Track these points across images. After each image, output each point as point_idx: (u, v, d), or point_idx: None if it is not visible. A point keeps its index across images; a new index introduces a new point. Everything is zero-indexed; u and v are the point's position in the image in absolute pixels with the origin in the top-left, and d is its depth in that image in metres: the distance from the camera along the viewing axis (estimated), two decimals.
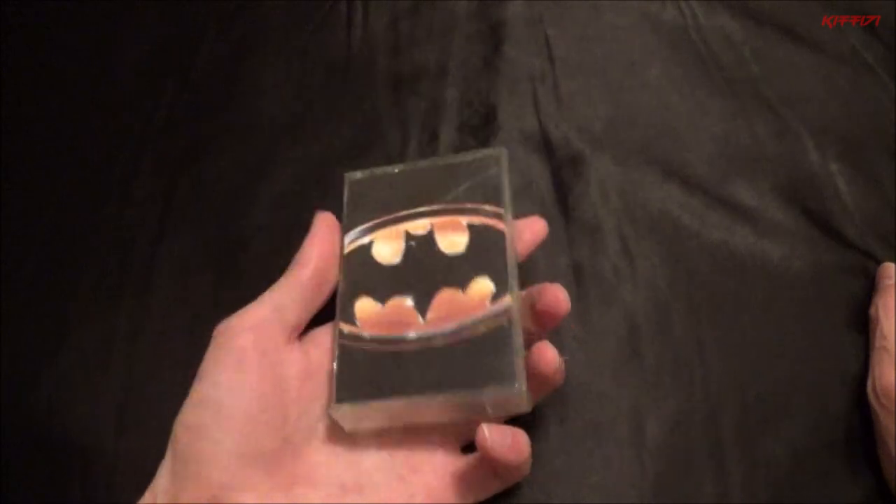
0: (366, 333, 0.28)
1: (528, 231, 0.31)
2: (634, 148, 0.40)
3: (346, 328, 0.28)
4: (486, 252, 0.29)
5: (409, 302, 0.28)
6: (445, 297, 0.28)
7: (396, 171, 0.32)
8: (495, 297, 0.28)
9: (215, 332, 0.28)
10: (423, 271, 0.29)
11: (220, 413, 0.25)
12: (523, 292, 0.29)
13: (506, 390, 0.26)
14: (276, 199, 0.40)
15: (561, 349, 0.34)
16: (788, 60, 0.44)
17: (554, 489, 0.31)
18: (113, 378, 0.35)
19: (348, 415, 0.27)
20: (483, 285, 0.28)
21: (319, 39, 0.46)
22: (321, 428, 0.28)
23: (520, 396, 0.26)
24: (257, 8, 0.48)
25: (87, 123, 0.44)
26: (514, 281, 0.28)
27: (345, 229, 0.31)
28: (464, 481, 0.27)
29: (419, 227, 0.30)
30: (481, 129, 0.41)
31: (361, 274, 0.29)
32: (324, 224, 0.31)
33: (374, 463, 0.28)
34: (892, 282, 0.35)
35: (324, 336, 0.30)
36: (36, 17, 0.50)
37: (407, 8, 0.47)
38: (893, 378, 0.31)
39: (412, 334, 0.27)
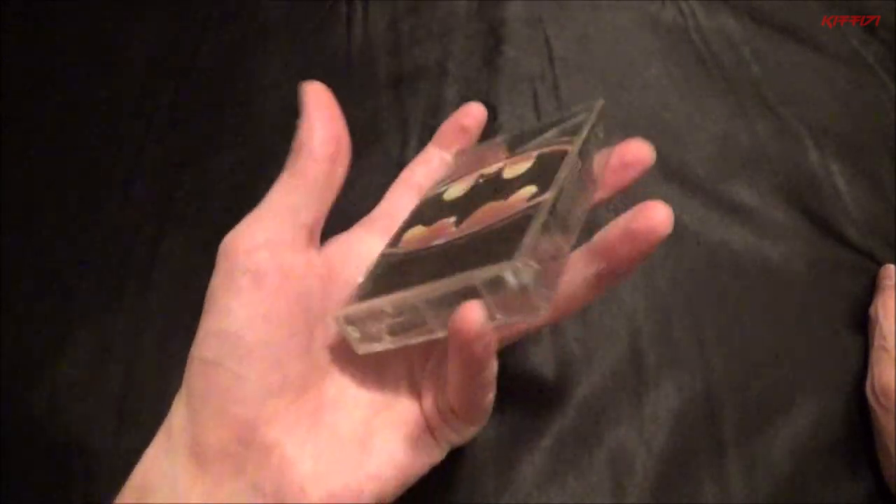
0: (401, 250, 0.26)
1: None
2: None
3: (387, 250, 0.26)
4: (543, 170, 0.26)
5: (450, 220, 0.26)
6: (486, 208, 0.26)
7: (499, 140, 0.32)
8: (534, 196, 0.24)
9: (222, 251, 0.24)
10: (478, 195, 0.27)
11: (239, 345, 0.22)
12: (596, 156, 0.27)
13: (502, 270, 0.20)
14: None
15: (561, 349, 0.34)
16: (788, 60, 0.44)
17: (553, 490, 0.31)
18: (113, 378, 0.35)
19: (351, 319, 0.24)
20: (526, 191, 0.25)
21: (319, 39, 0.46)
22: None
23: (522, 286, 0.20)
24: (257, 8, 0.48)
25: (87, 123, 0.44)
26: (561, 177, 0.25)
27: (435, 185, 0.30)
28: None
29: (494, 167, 0.29)
30: None
31: (425, 210, 0.28)
32: (317, 98, 0.26)
33: (398, 374, 0.26)
34: (892, 282, 0.35)
35: (342, 243, 0.27)
36: (36, 17, 0.50)
37: (407, 8, 0.47)
38: (893, 378, 0.31)
39: (440, 241, 0.25)
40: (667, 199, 0.39)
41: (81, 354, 0.35)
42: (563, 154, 0.26)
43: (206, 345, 0.23)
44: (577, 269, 0.25)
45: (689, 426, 0.32)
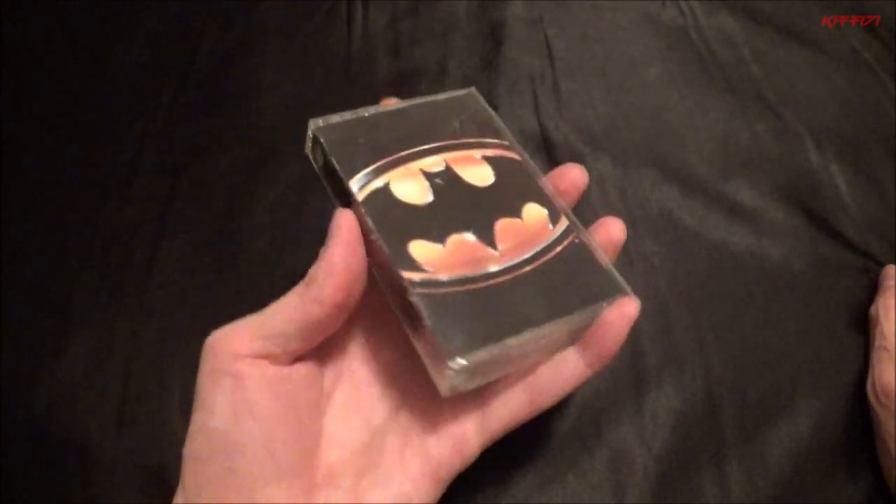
0: (442, 277, 0.24)
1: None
2: (634, 148, 0.40)
3: (414, 276, 0.24)
4: (516, 181, 0.28)
5: (470, 237, 0.25)
6: (506, 226, 0.26)
7: (368, 114, 0.29)
8: (552, 219, 0.27)
9: (208, 348, 0.24)
10: (465, 205, 0.26)
11: (227, 442, 0.23)
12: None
13: (620, 299, 0.26)
14: (276, 199, 0.40)
15: None
16: (788, 60, 0.44)
17: (553, 489, 0.31)
18: (113, 378, 0.35)
19: (466, 369, 0.23)
20: (536, 210, 0.27)
21: (319, 39, 0.46)
22: (328, 420, 0.26)
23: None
24: (257, 8, 0.48)
25: (87, 123, 0.44)
26: (558, 200, 0.28)
27: (346, 176, 0.26)
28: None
29: (432, 164, 0.27)
30: None
31: (394, 217, 0.25)
32: (344, 231, 0.25)
33: (384, 433, 0.26)
34: (893, 283, 0.35)
35: None
36: (36, 17, 0.50)
37: (407, 8, 0.47)
38: (893, 378, 0.31)
39: (493, 267, 0.25)
40: (667, 199, 0.39)
41: (81, 354, 0.35)
42: (516, 162, 0.29)
43: (196, 442, 0.24)
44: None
45: (689, 426, 0.32)
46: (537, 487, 0.31)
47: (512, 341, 0.23)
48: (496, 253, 0.25)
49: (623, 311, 0.25)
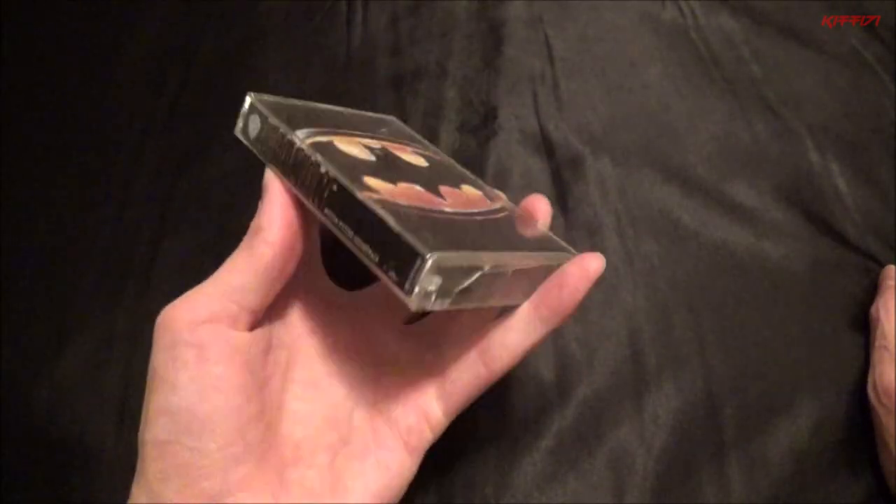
0: (400, 201, 0.23)
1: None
2: (634, 148, 0.40)
3: (371, 195, 0.23)
4: (450, 170, 0.29)
5: (418, 187, 0.25)
6: (449, 191, 0.26)
7: (300, 104, 0.30)
8: (488, 197, 0.28)
9: (162, 325, 0.23)
10: (406, 169, 0.27)
11: (193, 420, 0.22)
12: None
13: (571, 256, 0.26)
14: None
15: (561, 349, 0.34)
16: (788, 60, 0.44)
17: (553, 490, 0.31)
18: (113, 378, 0.35)
19: (440, 270, 0.21)
20: (472, 189, 0.28)
21: (319, 39, 0.46)
22: (288, 398, 0.26)
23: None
24: (257, 8, 0.48)
25: (88, 123, 0.44)
26: (492, 191, 0.29)
27: (288, 130, 0.26)
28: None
29: (370, 142, 0.28)
30: (481, 129, 0.41)
31: (343, 161, 0.25)
32: (276, 186, 0.26)
33: (349, 408, 0.26)
34: (893, 283, 0.35)
35: (279, 301, 0.26)
36: (36, 17, 0.50)
37: (407, 8, 0.47)
38: (894, 378, 0.31)
39: (448, 209, 0.25)
40: (667, 199, 0.39)
41: (81, 354, 0.35)
42: (447, 161, 0.30)
43: (157, 426, 0.22)
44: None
45: (689, 426, 0.32)
46: (537, 487, 0.31)
47: (486, 256, 0.22)
48: (446, 201, 0.25)
49: (585, 264, 0.24)
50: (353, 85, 0.44)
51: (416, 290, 0.21)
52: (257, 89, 0.42)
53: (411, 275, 0.21)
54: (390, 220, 0.22)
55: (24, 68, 0.48)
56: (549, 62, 0.44)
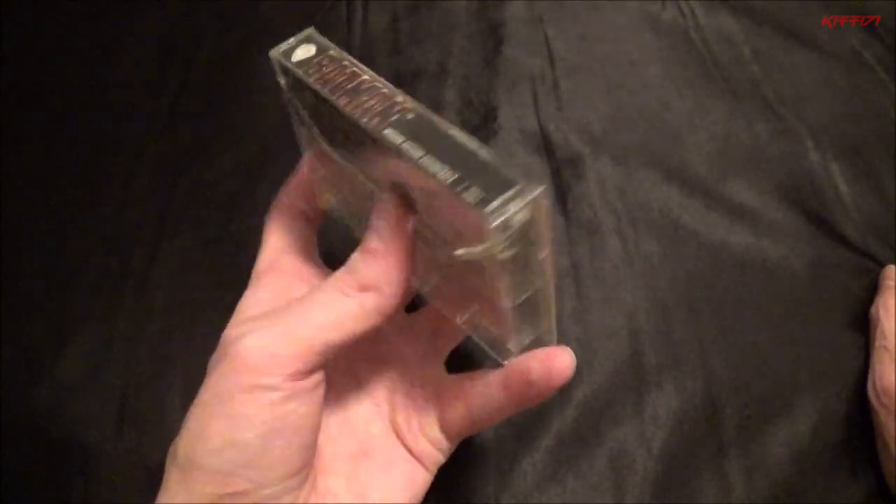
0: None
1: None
2: (634, 148, 0.40)
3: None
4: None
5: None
6: None
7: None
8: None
9: (237, 359, 0.21)
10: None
11: (264, 457, 0.21)
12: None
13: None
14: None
15: None
16: (788, 60, 0.44)
17: (553, 490, 0.31)
18: (113, 378, 0.35)
19: (536, 204, 0.20)
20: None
21: None
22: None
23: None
24: (257, 8, 0.48)
25: (88, 123, 0.44)
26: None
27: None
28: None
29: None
30: (481, 128, 0.41)
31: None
32: (397, 235, 0.23)
33: (368, 419, 0.27)
34: (893, 283, 0.35)
35: None
36: (36, 16, 0.50)
37: (407, 8, 0.47)
38: (894, 378, 0.31)
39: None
40: (667, 199, 0.39)
41: (81, 354, 0.35)
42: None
43: (221, 456, 0.21)
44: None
45: (689, 426, 0.32)
46: (537, 487, 0.31)
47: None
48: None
49: (552, 367, 0.23)
50: None
51: (502, 219, 0.20)
52: (257, 89, 0.42)
53: (499, 201, 0.20)
54: (484, 152, 0.21)
55: (24, 68, 0.48)
56: (549, 62, 0.44)
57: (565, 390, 0.33)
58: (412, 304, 0.30)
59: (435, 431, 0.26)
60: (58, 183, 0.42)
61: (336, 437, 0.26)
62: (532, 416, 0.33)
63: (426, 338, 0.29)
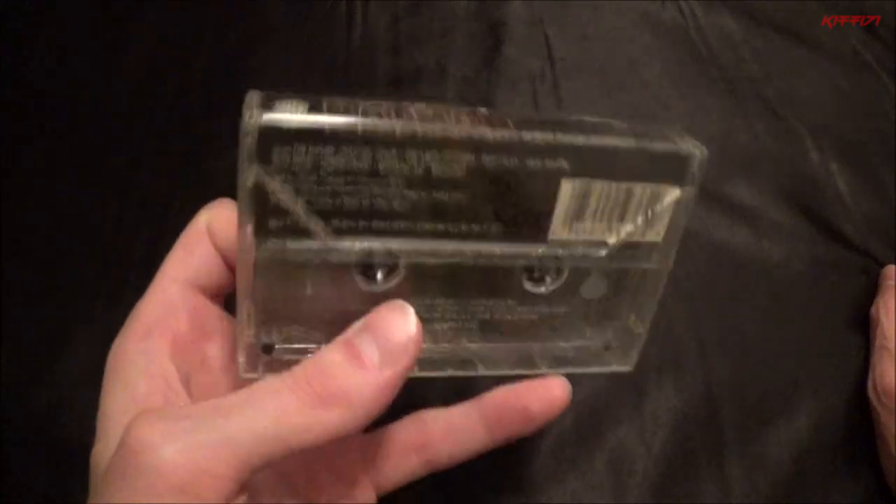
0: None
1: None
2: None
3: None
4: None
5: None
6: None
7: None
8: None
9: (133, 449, 0.16)
10: None
11: None
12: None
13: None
14: None
15: None
16: (788, 60, 0.44)
17: (553, 490, 0.31)
18: None
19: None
20: None
21: (319, 39, 0.46)
22: None
23: None
24: (257, 7, 0.48)
25: (88, 123, 0.44)
26: None
27: None
28: None
29: None
30: None
31: None
32: (410, 352, 0.19)
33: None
34: (894, 282, 0.35)
35: None
36: (36, 16, 0.50)
37: (407, 8, 0.47)
38: (894, 378, 0.31)
39: None
40: None
41: (81, 354, 0.35)
42: None
43: None
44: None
45: (689, 426, 0.32)
46: (537, 487, 0.31)
47: None
48: None
49: (551, 396, 0.23)
50: (353, 85, 0.44)
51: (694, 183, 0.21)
52: (257, 89, 0.42)
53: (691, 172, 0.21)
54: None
55: (24, 68, 0.48)
56: (549, 62, 0.44)
57: None
58: None
59: (365, 492, 0.25)
60: (57, 183, 0.42)
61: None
62: None
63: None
